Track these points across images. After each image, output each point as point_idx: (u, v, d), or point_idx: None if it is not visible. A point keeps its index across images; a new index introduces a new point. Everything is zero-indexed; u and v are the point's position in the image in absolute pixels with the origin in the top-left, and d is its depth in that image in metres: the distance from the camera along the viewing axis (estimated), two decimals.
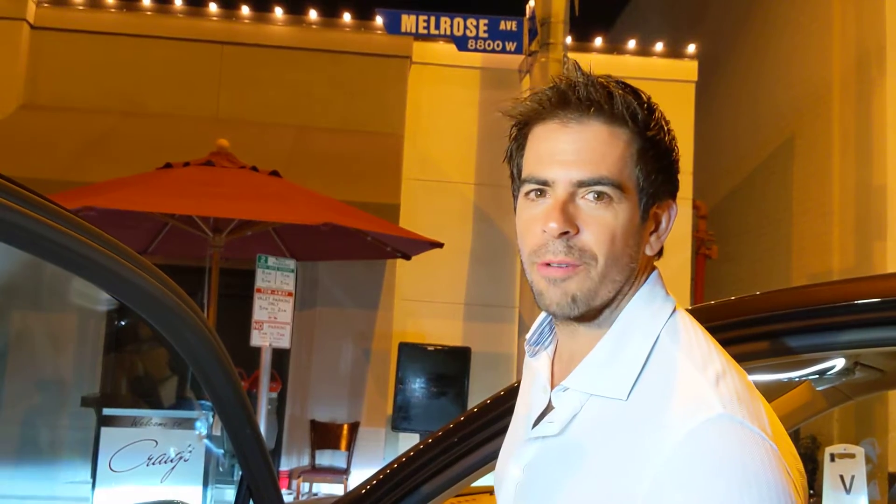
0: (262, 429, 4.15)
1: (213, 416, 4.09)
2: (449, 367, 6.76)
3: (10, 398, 6.80)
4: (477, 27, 7.04)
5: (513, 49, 6.98)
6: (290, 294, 5.06)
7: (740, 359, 0.95)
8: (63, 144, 6.76)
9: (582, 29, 7.57)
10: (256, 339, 4.94)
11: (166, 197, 4.76)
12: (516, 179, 0.95)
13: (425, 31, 7.06)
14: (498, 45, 7.02)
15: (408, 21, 6.99)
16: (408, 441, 6.75)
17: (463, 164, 7.72)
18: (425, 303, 7.52)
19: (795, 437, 5.40)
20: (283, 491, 3.18)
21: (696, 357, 0.86)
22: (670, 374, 0.85)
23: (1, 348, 6.81)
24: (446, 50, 7.53)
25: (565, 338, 0.96)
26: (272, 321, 4.97)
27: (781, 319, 1.22)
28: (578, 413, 0.90)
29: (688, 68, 7.92)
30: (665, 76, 7.72)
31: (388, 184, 6.79)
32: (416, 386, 6.68)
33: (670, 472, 0.77)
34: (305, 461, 7.01)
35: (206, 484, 4.06)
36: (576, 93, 0.88)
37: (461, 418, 1.46)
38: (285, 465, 7.03)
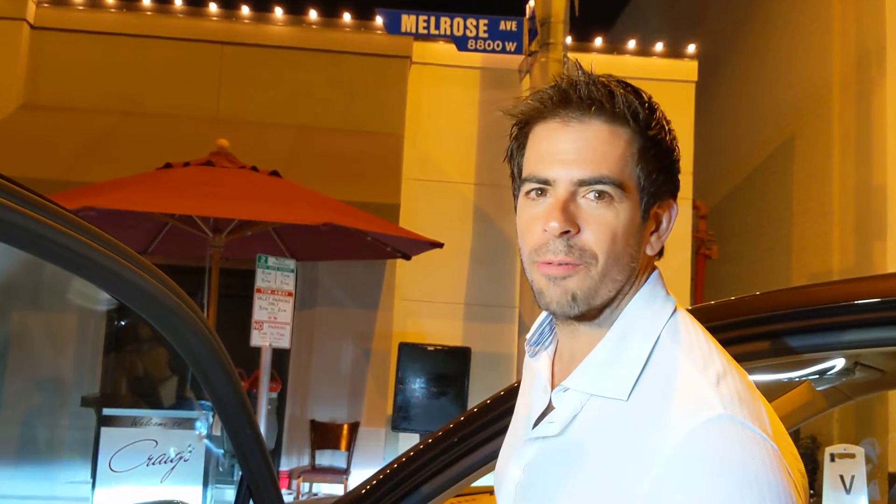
0: (262, 429, 4.16)
1: (213, 416, 4.09)
2: (449, 367, 6.76)
3: (10, 398, 6.79)
4: (477, 27, 7.04)
5: (513, 49, 6.98)
6: (290, 294, 5.06)
7: (740, 359, 0.95)
8: (63, 144, 6.76)
9: (582, 29, 7.57)
10: (256, 339, 4.94)
11: (166, 197, 4.76)
12: (517, 178, 0.95)
13: (425, 31, 7.06)
14: (498, 45, 7.02)
15: (408, 21, 6.99)
16: (408, 441, 6.75)
17: (463, 164, 7.73)
18: (425, 303, 7.52)
19: (795, 437, 5.39)
20: (283, 491, 3.18)
21: (697, 357, 0.85)
22: (671, 375, 0.84)
23: (1, 348, 6.80)
24: (446, 50, 7.53)
25: (565, 338, 0.96)
26: (272, 321, 4.97)
27: (781, 319, 1.22)
28: (579, 413, 0.90)
29: (688, 68, 7.92)
30: (665, 76, 7.72)
31: (388, 184, 6.79)
32: (416, 386, 6.68)
33: (671, 472, 0.77)
34: (305, 461, 7.01)
35: (206, 484, 4.06)
36: (577, 92, 0.87)
37: (461, 418, 1.46)
38: (285, 465, 7.03)
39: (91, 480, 3.97)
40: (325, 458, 7.00)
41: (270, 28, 7.73)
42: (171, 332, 1.26)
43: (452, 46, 7.19)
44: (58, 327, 6.95)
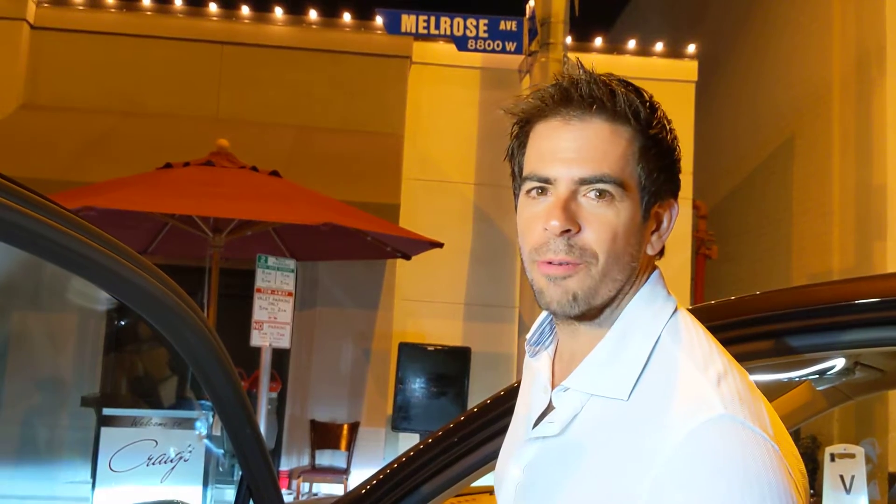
0: (262, 429, 4.15)
1: (213, 416, 4.09)
2: (449, 367, 6.76)
3: (10, 398, 6.79)
4: (477, 27, 7.04)
5: (513, 49, 6.98)
6: (290, 294, 5.06)
7: (741, 359, 0.94)
8: (63, 144, 6.76)
9: (582, 29, 7.58)
10: (256, 339, 4.94)
11: (166, 197, 4.76)
12: (517, 177, 0.95)
13: (425, 31, 7.06)
14: (498, 45, 7.02)
15: (408, 21, 6.99)
16: (408, 441, 6.74)
17: (463, 164, 7.73)
18: (425, 303, 7.52)
19: (795, 437, 5.39)
20: (283, 491, 3.18)
21: (698, 357, 0.85)
22: (671, 374, 0.84)
23: (1, 348, 6.80)
24: (446, 50, 7.53)
25: (566, 337, 0.96)
26: (272, 321, 4.97)
27: (782, 319, 1.22)
28: (579, 413, 0.89)
29: (688, 68, 7.92)
30: (665, 76, 7.72)
31: (388, 184, 6.79)
32: (416, 386, 6.68)
33: (671, 472, 0.77)
34: (305, 461, 7.01)
35: (206, 484, 4.06)
36: (578, 90, 0.87)
37: (461, 418, 1.46)
38: (285, 465, 7.03)
39: (91, 480, 3.98)
40: (325, 458, 7.00)
41: (270, 28, 7.73)
42: (172, 332, 1.26)
43: (452, 46, 7.19)
44: (58, 327, 6.95)
